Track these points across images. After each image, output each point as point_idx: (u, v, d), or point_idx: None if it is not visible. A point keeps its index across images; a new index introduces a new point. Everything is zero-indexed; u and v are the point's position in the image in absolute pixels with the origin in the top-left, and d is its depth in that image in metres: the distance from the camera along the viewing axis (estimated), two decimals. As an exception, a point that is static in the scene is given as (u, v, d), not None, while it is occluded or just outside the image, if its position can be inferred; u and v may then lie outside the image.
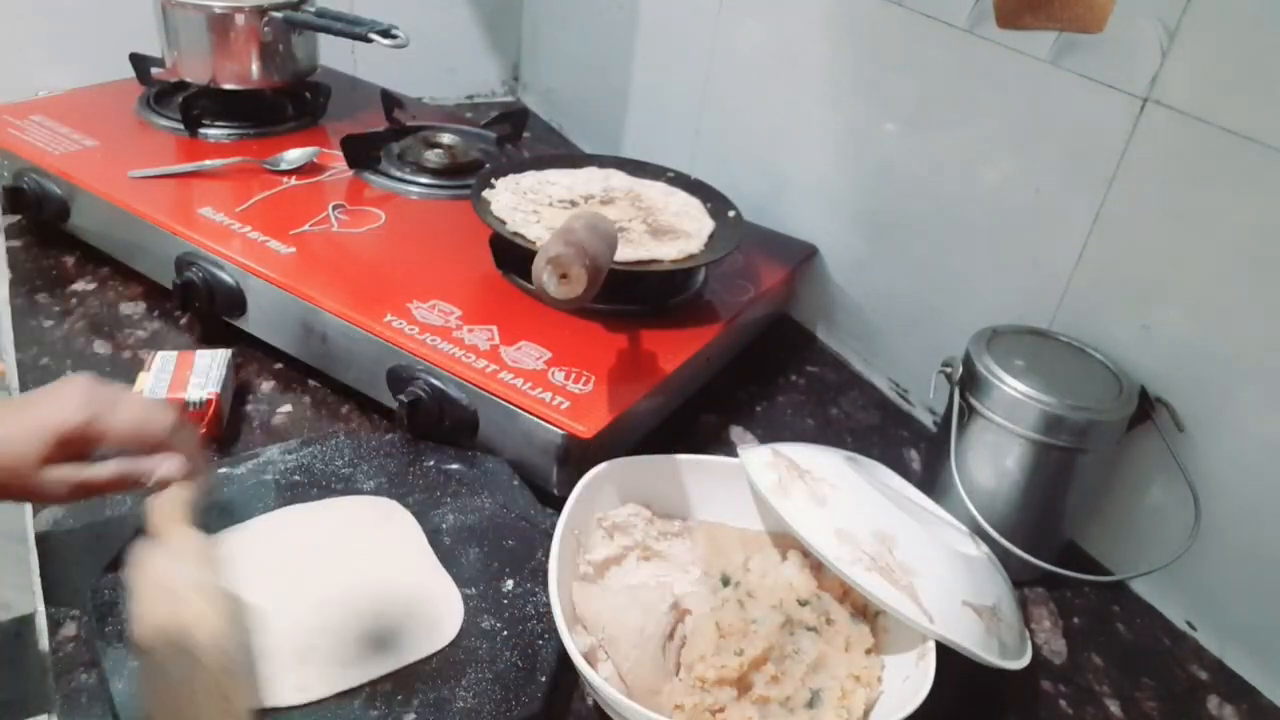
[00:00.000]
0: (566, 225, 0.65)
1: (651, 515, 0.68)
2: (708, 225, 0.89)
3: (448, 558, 0.64)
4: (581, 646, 0.57)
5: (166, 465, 0.54)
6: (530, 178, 0.93)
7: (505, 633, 0.59)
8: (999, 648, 0.57)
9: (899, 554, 0.58)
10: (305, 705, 0.54)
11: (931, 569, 0.58)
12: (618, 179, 0.96)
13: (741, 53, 1.03)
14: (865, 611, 0.62)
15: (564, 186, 0.93)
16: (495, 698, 0.55)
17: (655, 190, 0.94)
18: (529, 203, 0.88)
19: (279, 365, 0.84)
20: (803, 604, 0.61)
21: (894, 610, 0.56)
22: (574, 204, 0.90)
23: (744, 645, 0.57)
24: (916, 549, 0.58)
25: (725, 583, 0.64)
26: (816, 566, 0.65)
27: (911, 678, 0.55)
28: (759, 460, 0.65)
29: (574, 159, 0.99)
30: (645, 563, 0.67)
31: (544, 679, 0.57)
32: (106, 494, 0.56)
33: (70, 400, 0.52)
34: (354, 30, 0.97)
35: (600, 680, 0.52)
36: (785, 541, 0.67)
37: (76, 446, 0.52)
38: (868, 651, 0.59)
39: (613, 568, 0.66)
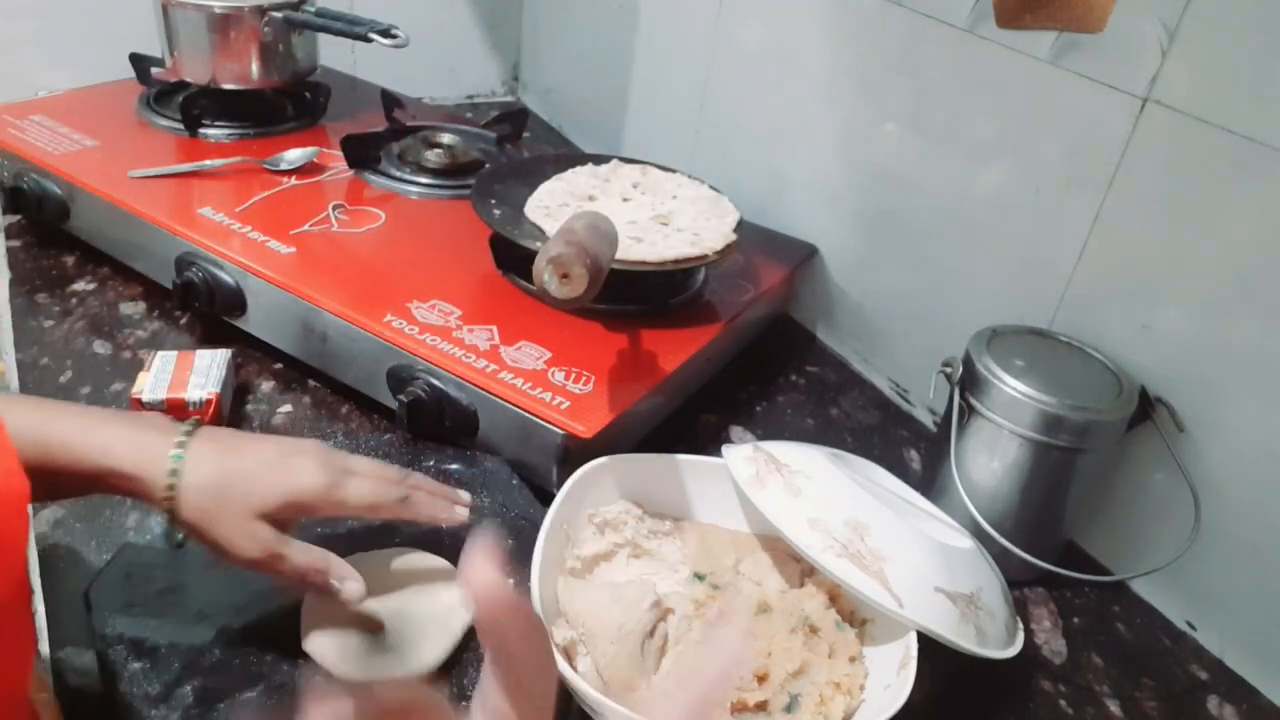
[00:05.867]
0: (567, 225, 0.66)
1: (643, 513, 0.68)
2: (710, 225, 0.89)
3: (446, 557, 0.64)
4: (563, 640, 0.57)
5: (351, 588, 0.54)
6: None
7: (505, 632, 0.59)
8: (975, 635, 0.57)
9: (871, 541, 0.58)
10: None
11: (904, 556, 0.58)
12: (621, 178, 0.96)
13: (741, 53, 1.03)
14: (852, 618, 0.62)
15: (566, 185, 0.93)
16: (495, 697, 0.55)
17: (659, 188, 0.94)
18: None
19: (279, 365, 0.84)
20: (788, 609, 0.61)
21: (862, 594, 0.56)
22: (587, 200, 0.89)
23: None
24: (890, 537, 0.59)
25: (700, 578, 0.64)
26: (807, 570, 0.65)
27: (892, 686, 0.55)
28: (739, 456, 0.65)
29: (574, 159, 0.99)
30: (635, 560, 0.67)
31: (544, 678, 0.57)
32: (285, 579, 0.54)
33: (312, 470, 0.53)
34: (354, 30, 0.97)
35: (574, 674, 0.52)
36: (775, 544, 0.67)
37: (293, 515, 0.53)
38: (852, 659, 0.59)
39: (601, 564, 0.66)
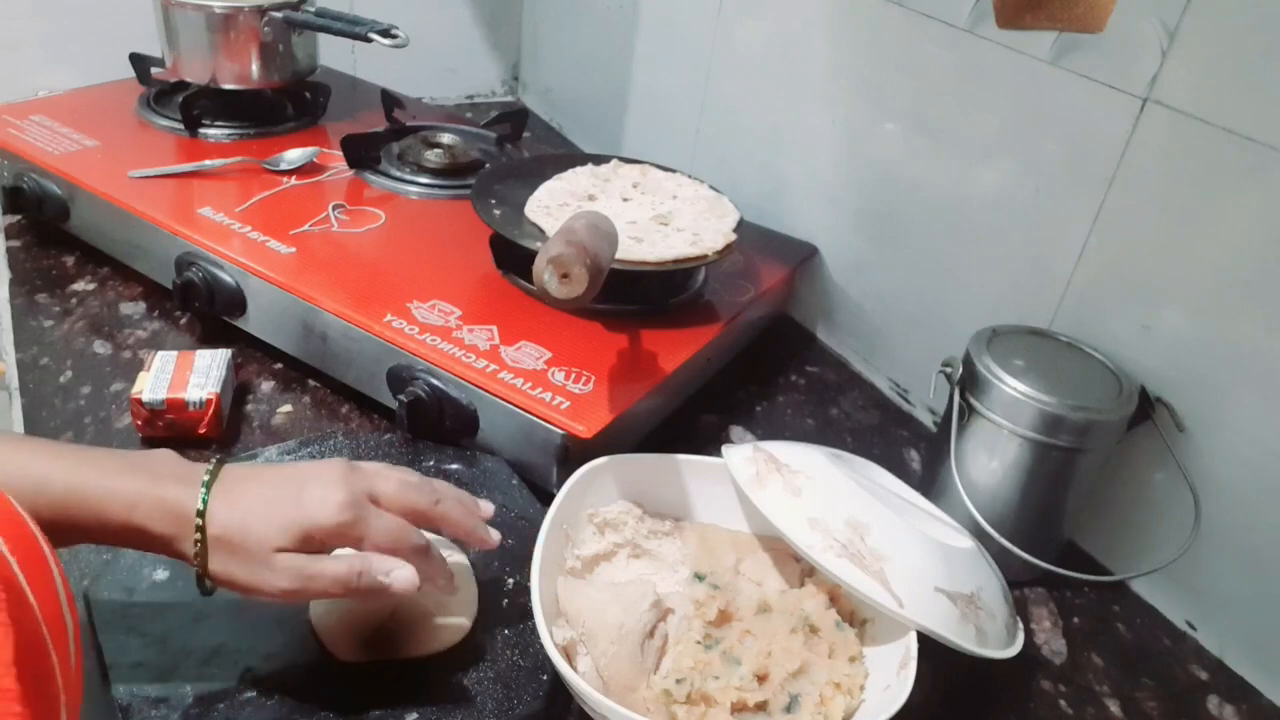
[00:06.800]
0: (567, 225, 0.66)
1: (643, 513, 0.68)
2: (709, 225, 0.89)
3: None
4: (563, 640, 0.57)
5: (400, 576, 0.50)
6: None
7: (506, 631, 0.59)
8: (975, 635, 0.57)
9: (871, 541, 0.58)
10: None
11: (904, 556, 0.58)
12: (621, 178, 0.96)
13: (741, 53, 1.03)
14: (853, 619, 0.62)
15: (566, 185, 0.93)
16: (497, 696, 0.55)
17: (659, 188, 0.94)
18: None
19: (279, 365, 0.84)
20: (788, 609, 0.61)
21: (863, 594, 0.56)
22: (587, 200, 0.89)
23: (726, 652, 0.57)
24: (890, 536, 0.59)
25: (700, 578, 0.64)
26: (807, 570, 0.65)
27: (891, 686, 0.55)
28: (739, 456, 0.65)
29: (574, 159, 0.99)
30: (635, 560, 0.67)
31: (545, 677, 0.57)
32: (329, 596, 0.51)
33: (331, 501, 0.50)
34: (354, 30, 0.97)
35: (574, 674, 0.52)
36: (775, 544, 0.67)
37: (314, 548, 0.50)
38: (852, 659, 0.59)
39: (602, 564, 0.66)
